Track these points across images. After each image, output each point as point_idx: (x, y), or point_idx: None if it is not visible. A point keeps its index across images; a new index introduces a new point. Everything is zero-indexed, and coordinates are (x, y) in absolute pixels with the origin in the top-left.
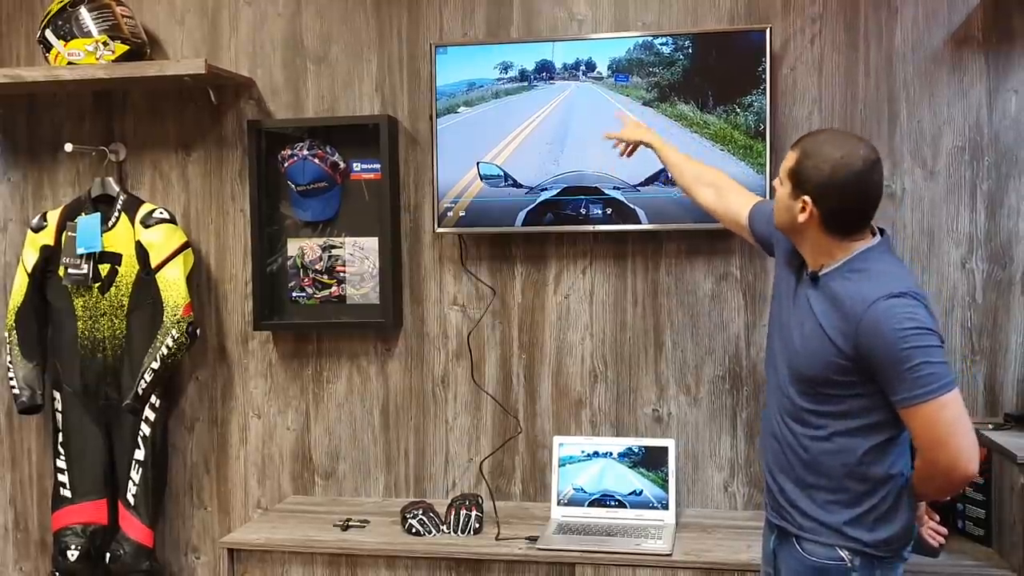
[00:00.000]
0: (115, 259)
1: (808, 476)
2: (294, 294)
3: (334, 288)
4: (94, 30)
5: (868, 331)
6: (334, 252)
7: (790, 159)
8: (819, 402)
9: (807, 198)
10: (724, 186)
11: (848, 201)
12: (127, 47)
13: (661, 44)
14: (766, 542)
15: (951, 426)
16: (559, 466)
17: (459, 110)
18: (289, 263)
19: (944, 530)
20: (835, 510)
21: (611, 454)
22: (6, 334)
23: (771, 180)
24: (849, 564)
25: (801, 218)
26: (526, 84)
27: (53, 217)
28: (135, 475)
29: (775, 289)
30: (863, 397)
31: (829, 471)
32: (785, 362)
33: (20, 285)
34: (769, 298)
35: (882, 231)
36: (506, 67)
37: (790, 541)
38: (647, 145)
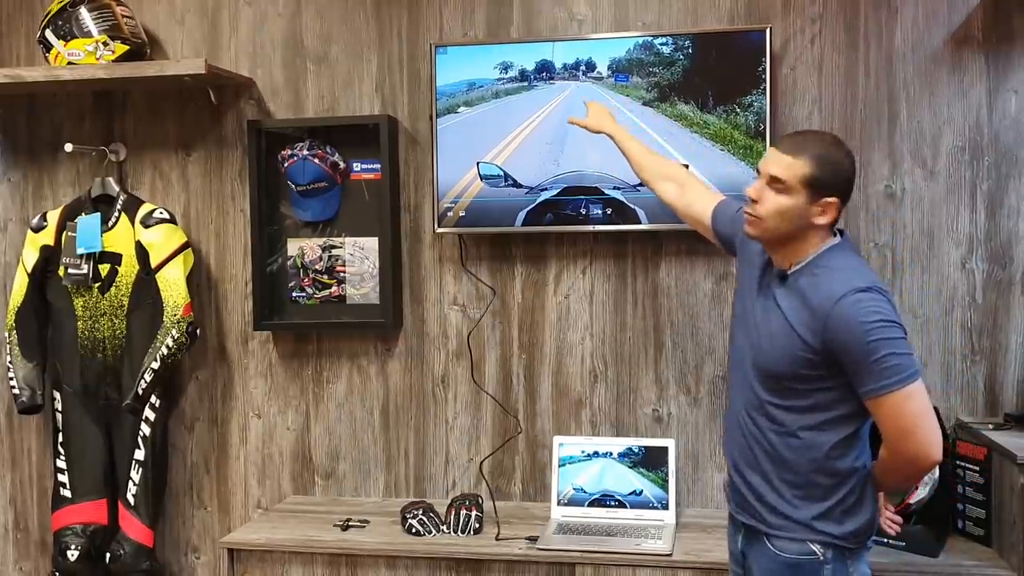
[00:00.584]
0: (115, 259)
1: (775, 471)
2: (294, 294)
3: (334, 288)
4: (94, 30)
5: (836, 325)
6: (334, 252)
7: (801, 167)
8: (786, 397)
9: (833, 199)
10: (686, 183)
11: (848, 197)
12: (127, 47)
13: (661, 44)
14: (732, 542)
15: (917, 415)
16: (559, 466)
17: (459, 110)
18: (289, 263)
19: (900, 519)
20: (803, 505)
21: (611, 454)
22: (6, 334)
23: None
24: (821, 558)
25: (822, 220)
26: (526, 84)
27: (53, 217)
28: (135, 475)
29: (739, 287)
30: (830, 391)
31: (796, 466)
32: (751, 359)
33: (20, 285)
34: None
35: (841, 231)
36: (506, 67)
37: (760, 539)
38: (608, 136)
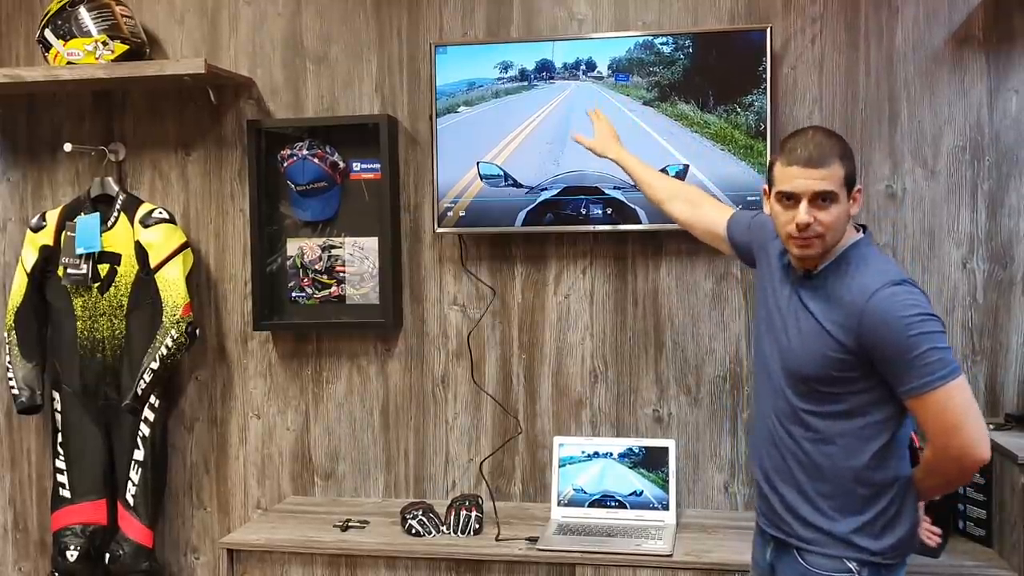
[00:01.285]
0: (114, 259)
1: (811, 483)
2: (294, 294)
3: (334, 288)
4: (93, 30)
5: (872, 321)
6: (334, 252)
7: (837, 172)
8: (820, 402)
9: (859, 186)
10: (698, 200)
11: None
12: (126, 47)
13: (661, 44)
14: (759, 554)
15: (963, 411)
16: (559, 466)
17: (459, 110)
18: (289, 263)
19: (939, 530)
20: (841, 518)
21: (611, 454)
22: (5, 334)
23: None
24: (857, 575)
25: (855, 210)
26: (526, 84)
27: (52, 217)
28: (134, 475)
29: (760, 294)
30: (865, 393)
31: (835, 476)
32: (780, 364)
33: (19, 285)
34: None
35: (864, 227)
36: (506, 67)
37: (791, 554)
38: (614, 161)
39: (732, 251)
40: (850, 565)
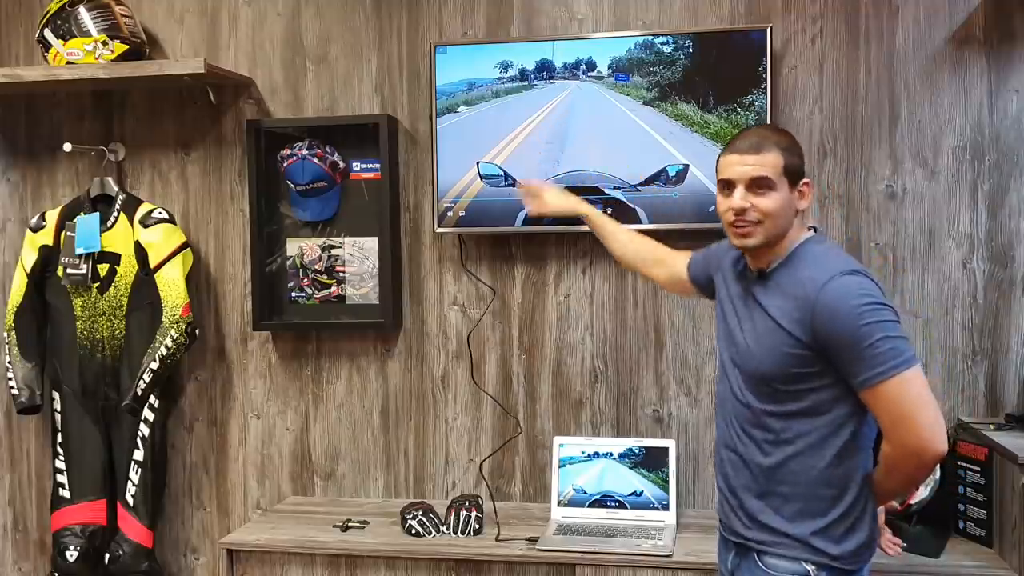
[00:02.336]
0: (114, 259)
1: (773, 487)
2: (293, 294)
3: (334, 288)
4: (93, 30)
5: (824, 312)
6: (334, 252)
7: (775, 159)
8: (780, 402)
9: (807, 180)
10: (665, 257)
11: None
12: (126, 47)
13: (661, 43)
14: (722, 561)
15: (917, 402)
16: (559, 467)
17: (459, 110)
18: (288, 263)
19: (900, 541)
20: (802, 521)
21: (611, 455)
22: (5, 334)
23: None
24: None
25: (803, 204)
26: (526, 84)
27: (52, 217)
28: (134, 475)
29: (717, 309)
30: (823, 390)
31: (796, 477)
32: (738, 367)
33: (19, 285)
34: None
35: (814, 228)
36: (506, 67)
37: (750, 557)
38: (584, 215)
39: (695, 290)
40: (808, 568)
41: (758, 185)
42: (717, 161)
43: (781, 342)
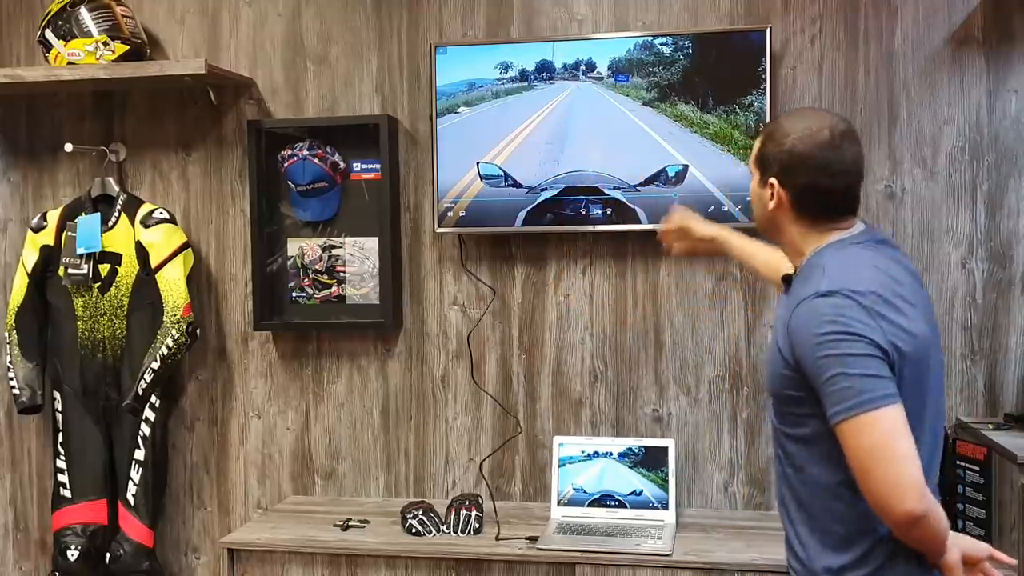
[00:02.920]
0: (115, 259)
1: (794, 509)
2: (294, 294)
3: (334, 288)
4: (94, 30)
5: (794, 336)
6: (334, 252)
7: (755, 146)
8: (788, 424)
9: (773, 180)
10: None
11: (815, 176)
12: (127, 47)
13: (661, 44)
14: None
15: (871, 452)
16: (559, 466)
17: (459, 110)
18: (289, 263)
19: None
20: (818, 552)
21: (611, 454)
22: (6, 334)
23: None
24: None
25: (771, 205)
26: (526, 84)
27: (53, 217)
28: (135, 475)
29: None
30: (818, 419)
31: (810, 506)
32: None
33: (20, 285)
34: (769, 298)
35: (864, 223)
36: (506, 67)
37: None
38: (714, 237)
39: None
40: None
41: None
42: None
43: (777, 362)
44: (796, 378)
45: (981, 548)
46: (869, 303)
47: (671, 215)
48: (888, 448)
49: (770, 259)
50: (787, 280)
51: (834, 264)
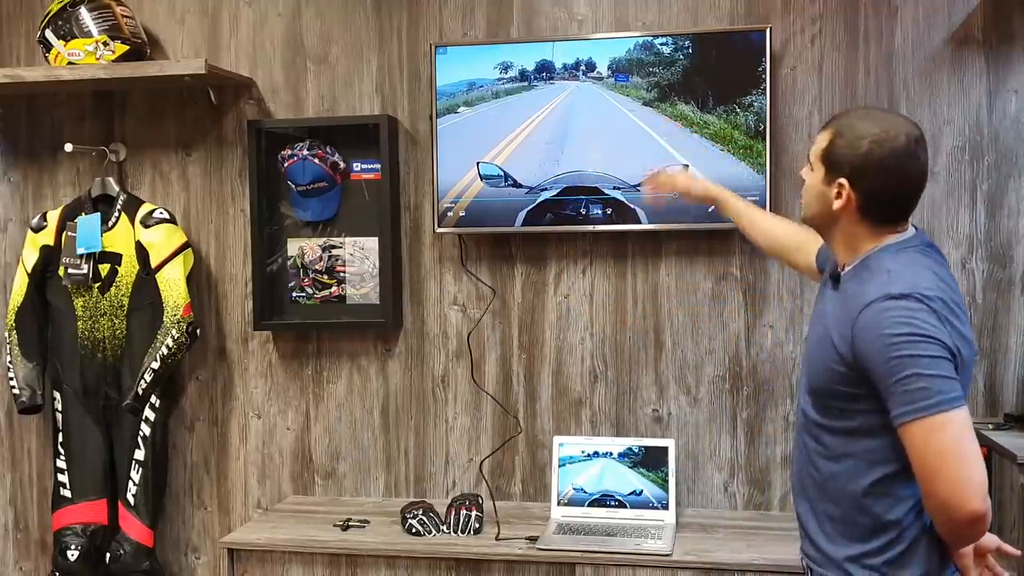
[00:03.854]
0: (115, 259)
1: (819, 500)
2: (294, 294)
3: (334, 288)
4: (94, 30)
5: (861, 336)
6: (334, 252)
7: (822, 140)
8: (830, 416)
9: (843, 181)
10: (804, 241)
11: (888, 182)
12: (127, 47)
13: (661, 44)
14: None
15: (944, 452)
16: (559, 466)
17: (459, 110)
18: (289, 263)
19: None
20: (840, 542)
21: (611, 454)
22: (6, 334)
23: (771, 179)
24: None
25: (837, 204)
26: (526, 84)
27: (53, 217)
28: (135, 475)
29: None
30: (873, 413)
31: (837, 497)
32: (804, 372)
33: (20, 285)
34: (769, 298)
35: (916, 228)
36: (506, 67)
37: (807, 572)
38: (715, 198)
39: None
40: None
41: (809, 159)
42: None
43: (829, 356)
44: (852, 375)
45: (990, 539)
46: (938, 307)
47: (667, 174)
48: (960, 448)
49: (770, 232)
50: (835, 276)
51: (898, 268)
